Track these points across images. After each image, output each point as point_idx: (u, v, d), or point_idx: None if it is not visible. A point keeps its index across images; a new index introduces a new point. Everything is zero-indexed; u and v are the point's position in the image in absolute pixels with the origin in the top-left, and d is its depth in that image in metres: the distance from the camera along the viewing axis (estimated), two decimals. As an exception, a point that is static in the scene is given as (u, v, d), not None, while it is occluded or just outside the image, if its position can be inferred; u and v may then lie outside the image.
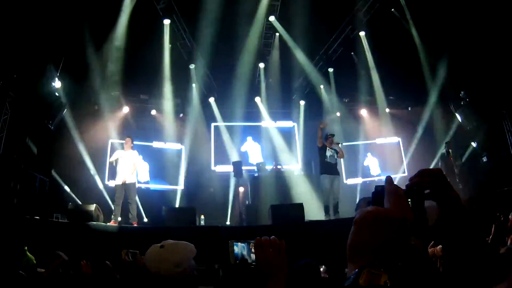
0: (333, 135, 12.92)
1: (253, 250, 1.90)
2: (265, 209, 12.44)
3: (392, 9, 16.44)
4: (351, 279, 1.12)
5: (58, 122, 14.32)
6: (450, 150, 15.50)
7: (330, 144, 12.62)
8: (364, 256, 1.18)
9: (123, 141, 13.24)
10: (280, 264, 1.79)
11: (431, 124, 17.33)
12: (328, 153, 12.38)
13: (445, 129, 16.92)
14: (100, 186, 15.76)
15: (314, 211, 13.87)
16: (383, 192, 1.32)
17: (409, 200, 1.34)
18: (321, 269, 5.19)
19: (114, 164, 12.28)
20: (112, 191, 13.56)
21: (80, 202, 13.89)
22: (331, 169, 12.32)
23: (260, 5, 16.60)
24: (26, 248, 7.60)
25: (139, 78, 16.91)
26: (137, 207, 12.55)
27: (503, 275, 1.78)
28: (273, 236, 1.88)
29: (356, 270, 1.13)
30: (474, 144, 15.97)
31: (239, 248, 2.00)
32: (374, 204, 1.32)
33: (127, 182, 11.87)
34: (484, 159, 15.36)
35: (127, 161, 12.05)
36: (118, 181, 11.97)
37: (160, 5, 15.36)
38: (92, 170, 15.69)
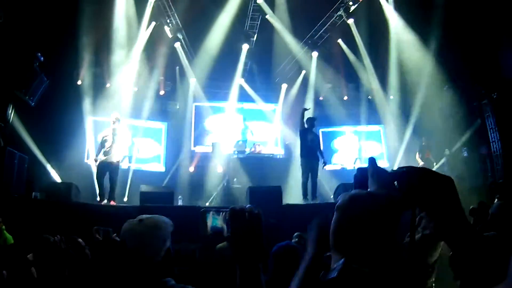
0: (313, 119, 12.81)
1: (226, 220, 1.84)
2: (242, 191, 12.45)
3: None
4: (335, 273, 1.08)
5: (39, 97, 14.13)
6: (424, 144, 15.94)
7: (311, 127, 12.53)
8: (349, 245, 1.15)
9: (105, 118, 13.06)
10: (256, 234, 1.74)
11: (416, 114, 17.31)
12: (309, 136, 12.30)
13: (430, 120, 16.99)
14: (85, 163, 15.72)
15: (292, 195, 13.94)
16: (367, 175, 1.28)
17: (395, 182, 1.27)
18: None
19: (101, 141, 11.84)
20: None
21: (60, 180, 13.82)
22: (311, 152, 12.23)
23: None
24: (4, 227, 7.52)
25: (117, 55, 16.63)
26: (117, 186, 12.36)
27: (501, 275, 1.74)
28: (249, 205, 1.83)
29: (341, 262, 1.09)
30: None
31: (212, 219, 1.95)
32: (357, 187, 1.28)
33: (113, 160, 11.63)
34: (465, 154, 15.55)
35: (112, 140, 11.64)
36: (103, 158, 11.60)
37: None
38: (74, 147, 15.59)
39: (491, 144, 14.68)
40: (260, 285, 1.66)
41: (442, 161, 15.58)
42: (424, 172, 1.27)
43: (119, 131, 11.85)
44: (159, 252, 2.26)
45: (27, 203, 10.17)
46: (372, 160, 1.30)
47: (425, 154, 15.78)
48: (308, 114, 12.79)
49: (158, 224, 2.35)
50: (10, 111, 12.96)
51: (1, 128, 11.94)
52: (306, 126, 12.38)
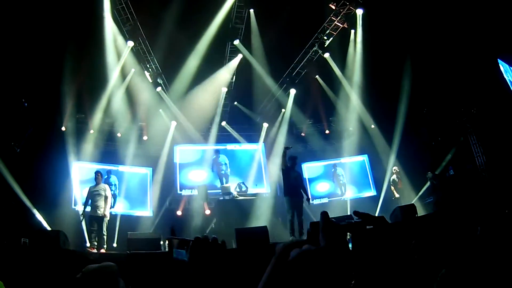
0: (295, 158, 12.82)
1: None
2: (230, 233, 12.42)
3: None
4: None
5: (23, 143, 14.20)
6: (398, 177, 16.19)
7: (293, 166, 12.55)
8: None
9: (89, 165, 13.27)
10: (216, 264, 1.74)
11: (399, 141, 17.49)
12: (292, 175, 12.32)
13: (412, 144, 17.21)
14: (72, 210, 15.56)
15: (279, 232, 13.94)
16: (318, 229, 1.22)
17: (348, 234, 1.26)
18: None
19: (87, 195, 12.55)
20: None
21: (48, 227, 13.75)
22: (295, 191, 12.23)
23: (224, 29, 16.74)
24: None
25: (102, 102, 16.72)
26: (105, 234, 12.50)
27: None
28: (213, 236, 1.84)
29: None
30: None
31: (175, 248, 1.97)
32: (309, 242, 1.22)
33: (99, 214, 12.22)
34: (451, 172, 15.74)
35: (99, 194, 12.38)
36: (91, 212, 12.30)
37: (127, 27, 15.39)
38: (61, 193, 15.51)
39: (476, 158, 14.89)
40: None
41: (427, 185, 15.74)
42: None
43: (105, 186, 12.75)
44: None
45: (16, 249, 10.06)
46: (323, 214, 1.27)
47: (398, 185, 15.96)
48: (290, 153, 12.83)
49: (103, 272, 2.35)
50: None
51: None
52: (288, 165, 12.40)
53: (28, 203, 14.18)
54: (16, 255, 9.38)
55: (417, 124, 17.12)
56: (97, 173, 12.91)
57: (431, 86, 15.66)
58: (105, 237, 12.32)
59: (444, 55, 14.36)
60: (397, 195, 15.81)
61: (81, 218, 12.75)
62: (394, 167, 16.54)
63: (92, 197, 12.37)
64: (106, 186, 12.93)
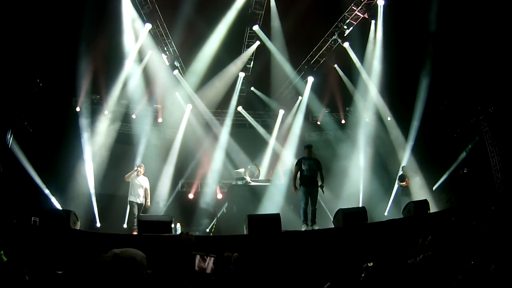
0: (310, 146, 12.70)
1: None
2: (241, 218, 12.40)
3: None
4: None
5: (37, 123, 14.31)
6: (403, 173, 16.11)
7: (309, 154, 12.42)
8: None
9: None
10: (239, 279, 1.72)
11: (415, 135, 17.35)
12: (305, 165, 12.20)
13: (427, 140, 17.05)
14: (84, 190, 15.81)
15: (291, 220, 13.89)
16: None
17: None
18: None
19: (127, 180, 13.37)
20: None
21: (60, 207, 13.86)
22: (309, 181, 12.16)
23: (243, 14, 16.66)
24: (2, 252, 7.46)
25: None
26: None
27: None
28: (235, 254, 1.82)
29: None
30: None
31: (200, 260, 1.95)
32: None
33: (139, 202, 13.15)
34: (465, 171, 15.60)
35: (140, 186, 13.30)
36: (133, 199, 13.17)
37: (145, 10, 15.34)
38: (73, 174, 15.71)
39: (490, 158, 14.72)
40: None
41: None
42: None
43: (145, 179, 13.59)
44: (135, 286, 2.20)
45: (26, 228, 10.12)
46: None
47: (405, 181, 15.82)
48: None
49: (133, 258, 2.26)
50: (9, 137, 13.08)
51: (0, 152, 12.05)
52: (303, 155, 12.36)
53: (40, 183, 14.33)
54: (26, 234, 9.45)
55: (434, 119, 16.89)
56: (139, 166, 13.65)
57: (450, 81, 15.42)
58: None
59: (465, 51, 14.11)
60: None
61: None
62: (403, 165, 16.42)
63: (135, 187, 13.24)
64: (146, 179, 13.63)
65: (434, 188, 15.89)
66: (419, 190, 15.90)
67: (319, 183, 12.01)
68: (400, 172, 16.21)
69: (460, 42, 14.11)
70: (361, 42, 17.16)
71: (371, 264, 5.14)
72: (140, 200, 13.22)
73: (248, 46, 18.04)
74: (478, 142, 15.40)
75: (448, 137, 16.37)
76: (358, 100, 18.77)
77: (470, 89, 14.77)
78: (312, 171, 12.06)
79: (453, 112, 16.07)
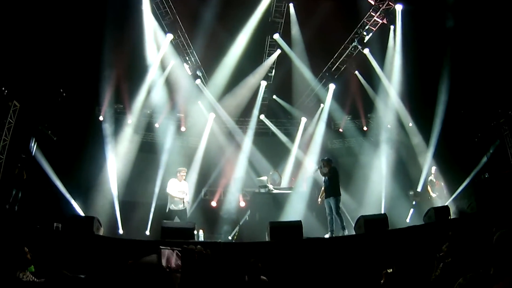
0: (323, 160, 13.01)
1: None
2: (263, 226, 12.47)
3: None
4: None
5: (60, 132, 14.66)
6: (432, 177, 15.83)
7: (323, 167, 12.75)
8: None
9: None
10: (205, 271, 1.78)
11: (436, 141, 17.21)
12: (325, 176, 12.56)
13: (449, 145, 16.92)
14: (106, 198, 16.03)
15: (313, 227, 13.92)
16: None
17: None
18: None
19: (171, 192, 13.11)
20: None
21: (82, 213, 14.07)
22: (326, 192, 12.55)
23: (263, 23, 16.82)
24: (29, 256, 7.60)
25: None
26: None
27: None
28: (199, 246, 1.88)
29: None
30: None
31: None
32: None
33: (179, 209, 13.06)
34: (486, 175, 15.44)
35: (180, 191, 13.18)
36: (173, 207, 13.03)
37: (166, 21, 15.57)
38: (96, 181, 15.96)
39: (512, 162, 14.58)
40: None
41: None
42: None
43: (185, 185, 13.50)
44: None
45: (48, 234, 10.30)
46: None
47: (435, 184, 15.63)
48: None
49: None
50: (33, 144, 13.37)
51: (23, 160, 12.32)
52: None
53: (64, 190, 14.58)
54: (49, 239, 9.62)
55: (455, 123, 16.77)
56: (182, 170, 13.56)
57: (470, 85, 15.32)
58: None
59: (484, 54, 14.02)
60: (433, 195, 15.53)
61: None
62: (433, 167, 16.23)
63: (174, 192, 13.06)
64: (186, 184, 13.65)
65: (454, 196, 15.69)
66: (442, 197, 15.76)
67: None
68: (431, 176, 15.98)
69: (479, 45, 14.02)
70: (381, 48, 17.13)
71: (391, 270, 5.17)
72: (182, 206, 13.16)
73: (269, 55, 18.15)
74: (499, 146, 15.24)
75: (469, 141, 16.23)
76: (379, 106, 18.71)
77: (490, 92, 14.65)
78: (327, 182, 12.45)
79: (473, 116, 15.93)
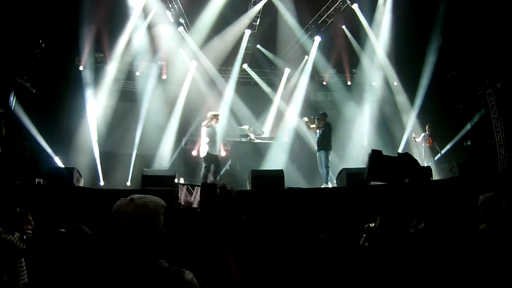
0: (320, 114, 13.35)
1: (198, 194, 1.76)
2: (245, 175, 12.45)
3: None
4: None
5: (40, 84, 14.23)
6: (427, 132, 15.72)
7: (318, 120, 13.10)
8: None
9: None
10: (227, 209, 1.68)
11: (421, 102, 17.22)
12: (317, 132, 13.25)
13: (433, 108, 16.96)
14: (88, 148, 15.90)
15: (294, 178, 14.01)
16: None
17: None
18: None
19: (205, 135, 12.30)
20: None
21: (63, 166, 13.91)
22: (318, 145, 13.29)
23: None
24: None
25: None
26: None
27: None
28: (221, 182, 1.78)
29: None
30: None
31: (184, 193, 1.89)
32: None
33: (215, 153, 12.51)
34: (468, 143, 15.55)
35: (214, 134, 12.44)
36: (209, 151, 12.25)
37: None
38: (77, 133, 15.74)
39: (495, 133, 14.63)
40: (227, 267, 1.62)
41: None
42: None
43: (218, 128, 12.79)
44: (150, 233, 2.18)
45: (30, 189, 10.14)
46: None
47: (427, 141, 15.60)
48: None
49: (147, 204, 2.24)
50: (12, 98, 13.03)
51: (2, 115, 12.00)
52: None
53: (44, 143, 14.37)
54: (30, 194, 9.45)
55: (441, 87, 16.75)
56: (217, 115, 12.61)
57: (459, 50, 15.20)
58: None
59: (478, 21, 13.84)
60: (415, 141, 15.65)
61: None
62: (428, 124, 16.09)
63: (213, 137, 12.39)
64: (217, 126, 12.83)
65: (435, 158, 15.73)
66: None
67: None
68: (425, 132, 15.75)
69: (474, 10, 13.83)
70: (370, 4, 16.89)
71: (373, 224, 5.16)
72: (216, 151, 12.70)
73: (255, 3, 17.64)
74: (483, 115, 15.28)
75: (454, 106, 16.26)
76: (365, 62, 18.59)
77: (480, 60, 14.56)
78: (318, 137, 13.33)
79: (460, 82, 15.90)
